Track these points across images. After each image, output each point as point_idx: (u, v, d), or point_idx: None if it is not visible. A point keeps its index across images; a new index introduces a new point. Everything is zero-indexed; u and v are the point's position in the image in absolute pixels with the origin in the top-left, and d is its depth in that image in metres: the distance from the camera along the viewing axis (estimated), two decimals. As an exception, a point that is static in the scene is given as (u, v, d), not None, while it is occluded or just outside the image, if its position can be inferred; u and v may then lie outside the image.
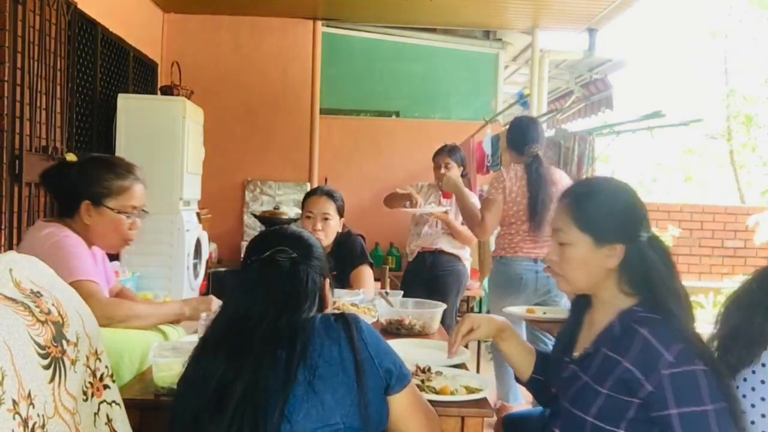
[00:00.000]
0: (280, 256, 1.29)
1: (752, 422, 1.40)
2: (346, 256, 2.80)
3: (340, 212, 2.81)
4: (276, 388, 1.15)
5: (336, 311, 1.35)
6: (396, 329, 2.23)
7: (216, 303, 1.97)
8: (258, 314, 1.22)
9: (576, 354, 1.50)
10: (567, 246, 1.45)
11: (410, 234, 4.04)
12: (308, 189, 5.99)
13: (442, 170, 3.85)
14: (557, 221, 1.49)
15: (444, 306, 2.44)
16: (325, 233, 2.72)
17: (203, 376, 1.19)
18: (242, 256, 1.36)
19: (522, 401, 3.49)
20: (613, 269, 1.42)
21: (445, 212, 3.82)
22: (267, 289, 1.26)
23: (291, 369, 1.17)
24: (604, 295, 1.46)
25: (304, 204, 2.84)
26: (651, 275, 1.39)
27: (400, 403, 1.28)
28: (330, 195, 2.79)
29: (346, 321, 1.25)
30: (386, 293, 2.47)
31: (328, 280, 1.37)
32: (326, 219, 2.73)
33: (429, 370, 1.72)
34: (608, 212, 1.43)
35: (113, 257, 4.24)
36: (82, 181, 1.89)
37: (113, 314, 1.78)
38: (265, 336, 1.20)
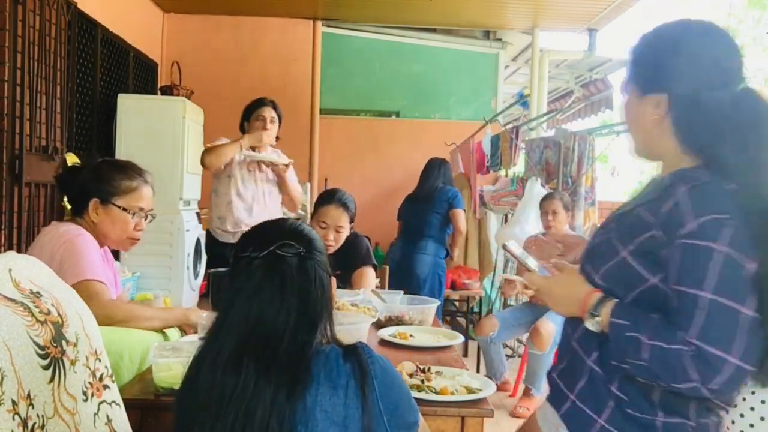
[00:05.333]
0: (286, 251, 1.11)
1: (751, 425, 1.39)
2: (351, 256, 2.80)
3: (352, 220, 2.81)
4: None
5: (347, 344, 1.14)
6: (396, 325, 2.32)
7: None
8: (279, 322, 1.06)
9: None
10: (625, 100, 1.29)
11: (230, 205, 3.37)
12: (308, 189, 6.00)
13: (268, 125, 3.43)
14: None
15: (437, 302, 2.57)
16: (336, 243, 2.72)
17: (224, 394, 1.03)
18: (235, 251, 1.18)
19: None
20: (663, 124, 1.20)
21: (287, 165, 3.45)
22: (278, 291, 1.08)
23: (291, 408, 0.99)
24: (666, 159, 1.24)
25: (317, 210, 2.78)
26: (709, 134, 1.14)
27: None
28: (345, 206, 2.74)
29: (359, 363, 1.04)
30: (379, 290, 2.54)
31: (333, 279, 1.20)
32: (339, 231, 2.73)
33: (429, 370, 1.72)
34: (653, 56, 1.22)
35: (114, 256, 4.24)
36: (93, 180, 1.97)
37: (114, 315, 1.79)
38: (292, 352, 1.04)
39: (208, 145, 3.38)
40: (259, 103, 3.51)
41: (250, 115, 3.50)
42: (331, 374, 1.02)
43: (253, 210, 3.42)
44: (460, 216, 4.46)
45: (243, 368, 1.03)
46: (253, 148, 3.40)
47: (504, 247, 1.48)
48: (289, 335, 1.05)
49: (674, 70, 1.19)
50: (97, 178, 1.97)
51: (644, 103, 1.22)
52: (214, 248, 3.53)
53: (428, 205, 4.45)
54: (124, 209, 1.96)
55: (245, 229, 3.58)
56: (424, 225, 4.43)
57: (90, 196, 1.95)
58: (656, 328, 1.09)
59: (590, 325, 1.20)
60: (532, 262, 1.41)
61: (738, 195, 1.09)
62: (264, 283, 1.09)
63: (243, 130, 3.53)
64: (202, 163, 3.37)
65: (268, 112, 3.48)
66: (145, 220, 2.04)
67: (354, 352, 1.06)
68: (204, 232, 4.65)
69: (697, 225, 1.07)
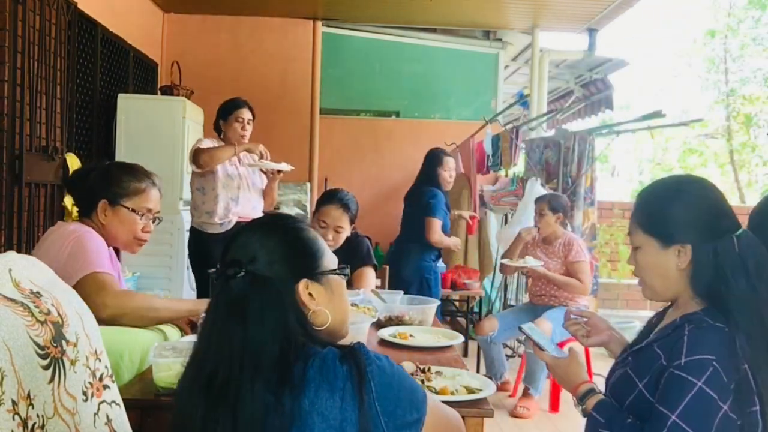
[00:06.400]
0: (231, 271, 1.06)
1: None
2: (352, 256, 2.81)
3: (353, 221, 2.82)
4: None
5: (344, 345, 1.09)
6: (396, 325, 2.32)
7: None
8: (225, 349, 1.03)
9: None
10: (638, 250, 1.41)
11: (216, 198, 3.42)
12: (308, 189, 6.01)
13: (246, 126, 3.53)
14: (629, 226, 1.45)
15: (437, 302, 2.56)
16: (335, 243, 2.74)
17: (183, 424, 1.05)
18: None
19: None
20: (685, 271, 1.34)
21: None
22: (225, 316, 1.06)
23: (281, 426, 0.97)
24: (680, 300, 1.39)
25: (318, 208, 2.80)
26: (718, 280, 1.30)
27: None
28: (346, 207, 2.76)
29: (356, 366, 1.01)
30: (379, 290, 2.54)
31: (302, 283, 1.10)
32: (338, 232, 2.74)
33: (429, 370, 1.72)
34: (670, 212, 1.35)
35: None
36: (102, 181, 1.99)
37: (126, 305, 1.80)
38: (243, 378, 1.01)
39: (199, 146, 3.41)
40: (236, 105, 3.55)
41: (227, 116, 3.53)
42: (329, 377, 1.00)
43: (240, 198, 3.48)
44: (431, 225, 3.92)
45: (194, 398, 1.04)
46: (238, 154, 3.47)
47: (520, 329, 1.64)
48: (236, 369, 1.01)
49: (692, 223, 1.34)
50: (105, 180, 1.98)
51: (668, 254, 1.35)
52: (199, 245, 3.54)
53: (414, 206, 4.11)
54: (133, 210, 1.98)
55: (233, 217, 3.51)
56: (408, 227, 4.14)
57: (99, 198, 1.96)
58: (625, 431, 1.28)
59: (577, 409, 1.40)
60: (543, 341, 1.56)
61: (733, 338, 1.24)
62: (212, 309, 1.09)
63: (219, 129, 3.59)
64: (197, 163, 3.39)
65: (246, 114, 3.54)
66: (153, 222, 2.06)
67: (351, 354, 1.03)
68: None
69: (687, 361, 1.23)
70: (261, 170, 3.54)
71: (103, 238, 1.97)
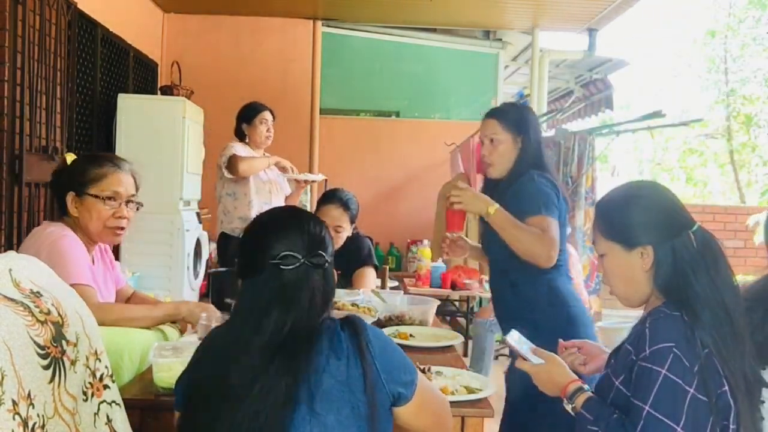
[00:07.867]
0: (289, 261, 1.21)
1: None
2: (353, 256, 2.82)
3: (353, 221, 2.82)
4: (277, 409, 1.11)
5: (341, 315, 1.26)
6: (396, 325, 2.32)
7: (214, 310, 1.98)
8: (279, 328, 1.17)
9: None
10: (604, 257, 1.46)
11: (250, 203, 3.59)
12: (308, 189, 5.99)
13: (270, 128, 3.76)
14: (593, 235, 1.51)
15: (437, 302, 2.54)
16: (335, 243, 2.74)
17: (238, 384, 1.14)
18: (241, 253, 1.27)
19: None
20: (650, 272, 1.39)
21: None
22: (289, 300, 1.19)
23: (291, 388, 1.12)
24: (649, 300, 1.44)
25: (318, 208, 2.83)
26: (677, 275, 1.35)
27: (406, 413, 1.24)
28: (346, 207, 2.78)
29: (354, 331, 1.19)
30: (379, 290, 2.54)
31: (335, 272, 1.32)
32: (338, 231, 2.74)
33: (429, 370, 1.73)
34: (628, 216, 1.41)
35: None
36: (68, 175, 1.97)
37: (105, 318, 1.75)
38: (293, 346, 1.16)
39: (236, 153, 3.53)
40: (260, 108, 3.74)
41: (251, 119, 3.70)
42: (334, 342, 1.17)
43: (272, 202, 3.65)
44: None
45: (250, 361, 1.15)
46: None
47: (504, 341, 1.66)
48: (291, 335, 1.17)
49: (649, 224, 1.39)
50: (70, 173, 1.96)
51: (632, 257, 1.40)
52: (233, 248, 3.59)
53: None
54: (96, 196, 1.93)
55: None
56: None
57: (66, 192, 1.94)
58: (612, 427, 1.31)
59: (567, 408, 1.42)
60: (527, 352, 1.56)
61: (692, 326, 1.29)
62: (276, 291, 1.20)
63: (241, 133, 3.72)
64: (235, 172, 3.50)
65: (269, 116, 3.75)
66: (130, 208, 1.99)
67: (349, 322, 1.21)
68: (204, 233, 4.66)
69: (650, 351, 1.28)
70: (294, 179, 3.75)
71: (82, 234, 1.94)
